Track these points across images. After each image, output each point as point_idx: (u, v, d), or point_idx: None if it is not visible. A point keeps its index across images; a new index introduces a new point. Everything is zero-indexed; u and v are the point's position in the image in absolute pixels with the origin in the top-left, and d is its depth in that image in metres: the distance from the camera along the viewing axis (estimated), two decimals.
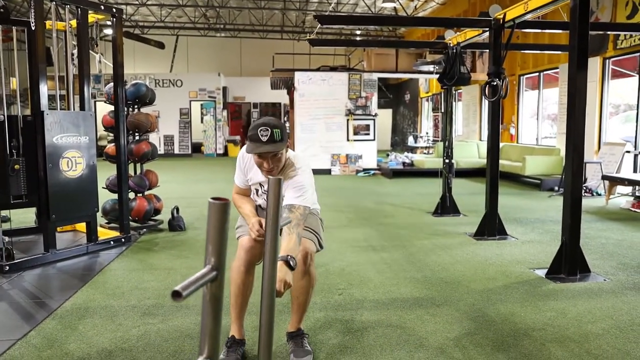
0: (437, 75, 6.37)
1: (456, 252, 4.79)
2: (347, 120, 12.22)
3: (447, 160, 6.55)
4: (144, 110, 5.78)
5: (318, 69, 12.66)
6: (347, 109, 12.18)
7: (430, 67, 6.69)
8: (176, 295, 1.00)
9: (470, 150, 12.13)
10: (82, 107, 4.67)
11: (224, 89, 19.59)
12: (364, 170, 12.25)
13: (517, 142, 12.18)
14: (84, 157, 4.56)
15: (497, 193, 5.37)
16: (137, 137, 5.67)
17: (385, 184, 10.61)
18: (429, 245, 5.05)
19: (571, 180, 3.99)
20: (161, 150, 18.76)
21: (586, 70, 4.00)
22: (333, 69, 12.55)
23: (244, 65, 22.25)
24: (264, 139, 2.32)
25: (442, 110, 6.42)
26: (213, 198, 1.08)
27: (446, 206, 6.62)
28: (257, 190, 2.70)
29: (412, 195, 8.82)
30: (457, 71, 5.94)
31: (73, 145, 4.45)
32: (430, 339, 2.82)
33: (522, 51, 8.92)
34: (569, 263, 3.97)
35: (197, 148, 19.47)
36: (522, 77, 12.13)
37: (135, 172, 5.73)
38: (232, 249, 2.06)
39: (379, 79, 12.72)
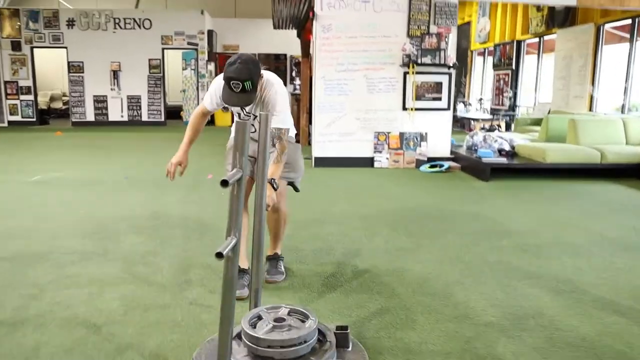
0: None
1: None
2: (405, 74, 7.10)
3: None
4: None
5: None
6: (405, 54, 7.03)
7: None
8: (224, 184, 1.60)
9: (615, 130, 7.05)
10: None
11: (210, 33, 14.29)
12: (430, 160, 7.21)
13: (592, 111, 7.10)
14: None
15: None
16: None
17: (487, 196, 5.54)
18: None
19: None
20: (124, 116, 13.79)
21: None
22: None
23: (240, 3, 16.56)
24: (237, 90, 2.62)
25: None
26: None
27: None
28: (239, 115, 2.96)
29: (600, 251, 3.74)
30: None
31: None
32: None
33: None
34: None
35: (175, 113, 14.47)
36: (602, 27, 7.05)
37: None
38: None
39: None
